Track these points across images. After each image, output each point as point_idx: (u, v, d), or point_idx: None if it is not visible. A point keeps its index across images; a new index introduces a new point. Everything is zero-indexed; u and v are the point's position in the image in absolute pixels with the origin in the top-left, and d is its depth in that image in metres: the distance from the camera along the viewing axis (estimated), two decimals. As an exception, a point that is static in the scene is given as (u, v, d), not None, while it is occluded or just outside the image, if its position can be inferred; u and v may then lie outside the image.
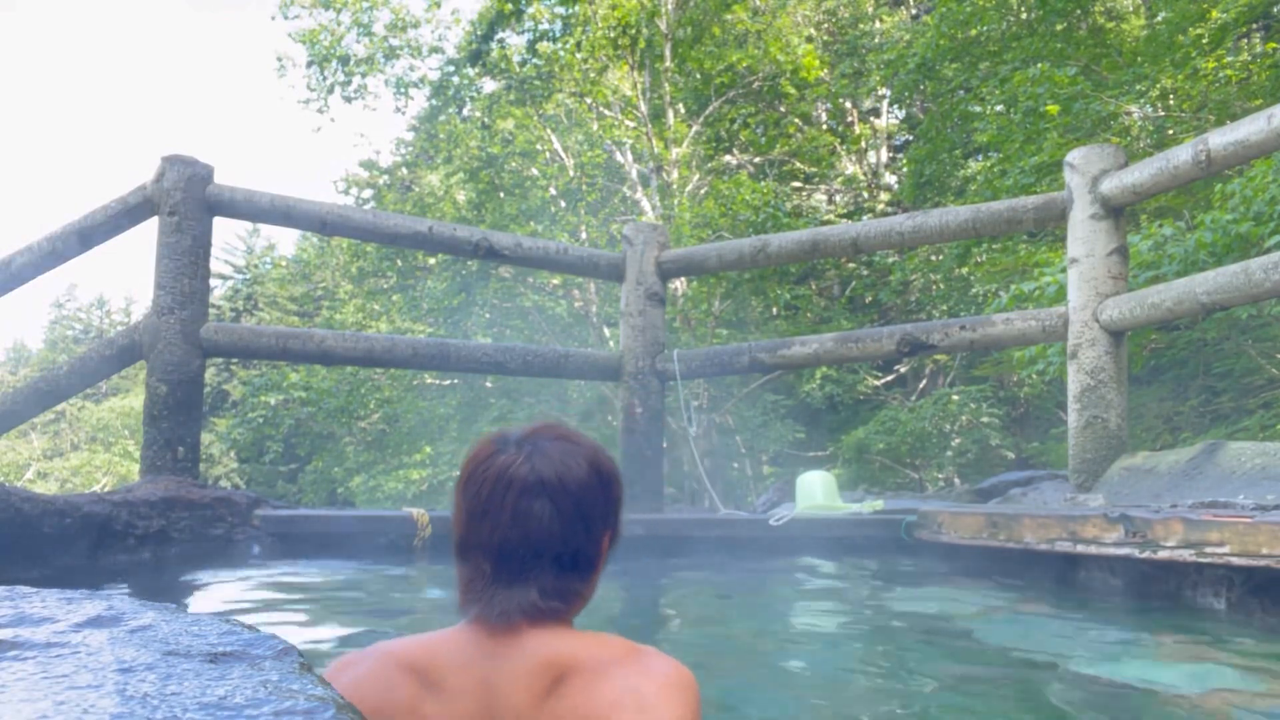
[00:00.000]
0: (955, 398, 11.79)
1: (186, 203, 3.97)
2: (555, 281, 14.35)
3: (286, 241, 53.33)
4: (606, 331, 14.29)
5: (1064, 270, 4.38)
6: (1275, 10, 9.55)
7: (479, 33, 14.14)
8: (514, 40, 14.52)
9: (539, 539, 1.19)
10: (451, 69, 14.93)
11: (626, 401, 4.82)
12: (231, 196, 4.09)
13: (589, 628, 1.35)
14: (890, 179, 16.69)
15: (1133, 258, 5.11)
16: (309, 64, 14.87)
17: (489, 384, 15.00)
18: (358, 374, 15.27)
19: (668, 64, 14.38)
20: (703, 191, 13.95)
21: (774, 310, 13.75)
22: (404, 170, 21.88)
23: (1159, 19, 10.00)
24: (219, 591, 2.89)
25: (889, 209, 15.44)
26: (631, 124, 14.61)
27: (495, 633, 1.18)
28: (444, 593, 2.61)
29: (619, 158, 14.88)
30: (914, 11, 16.84)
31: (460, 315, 14.54)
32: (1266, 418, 7.32)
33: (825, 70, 15.06)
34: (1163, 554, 2.40)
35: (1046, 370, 6.03)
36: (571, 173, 14.32)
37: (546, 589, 1.19)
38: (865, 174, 16.54)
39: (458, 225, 5.45)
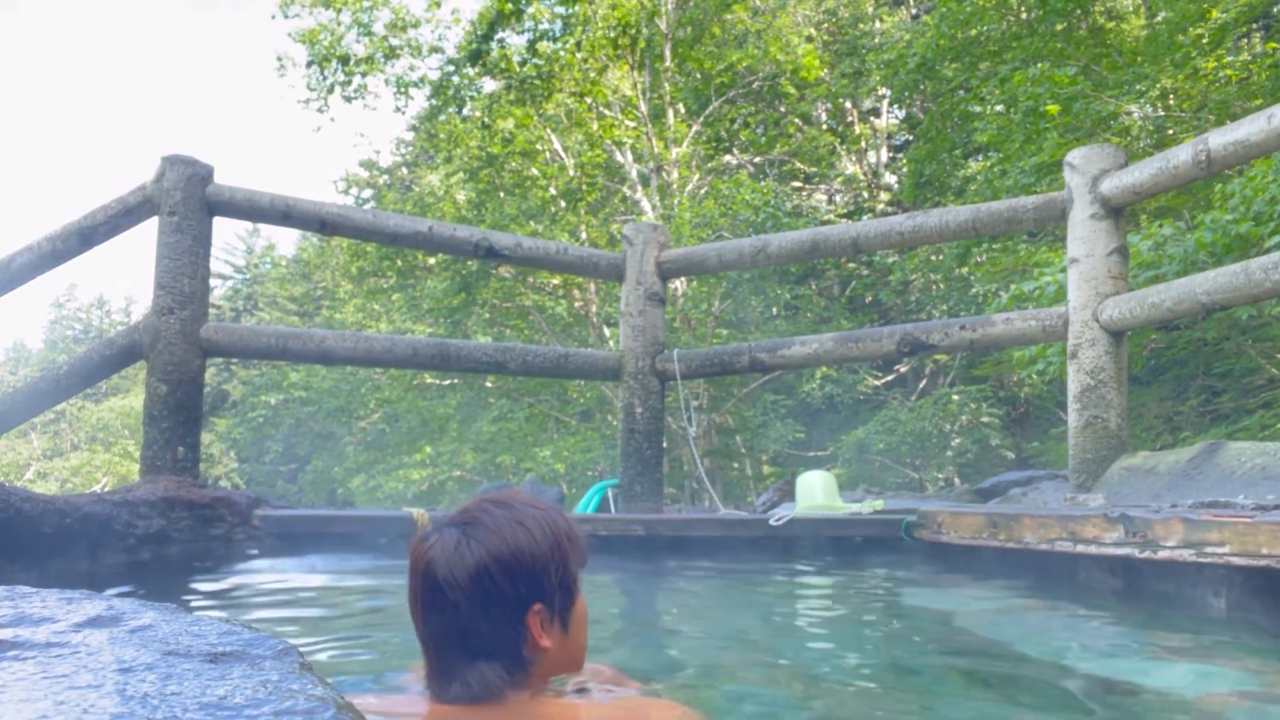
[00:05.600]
0: (955, 398, 11.80)
1: (186, 203, 3.97)
2: (555, 281, 14.36)
3: (286, 241, 53.40)
4: (606, 331, 14.30)
5: (1064, 270, 4.38)
6: (1275, 10, 9.55)
7: (479, 33, 14.13)
8: (514, 40, 14.52)
9: (443, 633, 1.20)
10: (451, 69, 14.93)
11: (626, 401, 4.82)
12: (231, 196, 4.09)
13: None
14: (890, 179, 16.70)
15: (1133, 258, 5.11)
16: (309, 64, 14.87)
17: (489, 384, 15.01)
18: (358, 374, 15.28)
19: (668, 64, 14.38)
20: (703, 191, 13.95)
21: (774, 310, 13.75)
22: (404, 170, 21.89)
23: (1159, 19, 10.00)
24: (219, 591, 2.89)
25: (889, 209, 15.44)
26: (631, 124, 14.61)
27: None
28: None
29: (619, 158, 14.88)
30: (914, 11, 16.84)
31: (460, 315, 14.54)
32: (1266, 418, 7.33)
33: (825, 70, 15.06)
34: (1163, 554, 2.40)
35: (1046, 370, 6.03)
36: (571, 173, 14.32)
37: (467, 680, 1.18)
38: (865, 174, 16.55)
39: (458, 225, 5.45)
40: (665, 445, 5.17)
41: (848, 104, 16.69)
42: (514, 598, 1.20)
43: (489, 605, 1.19)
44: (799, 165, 15.91)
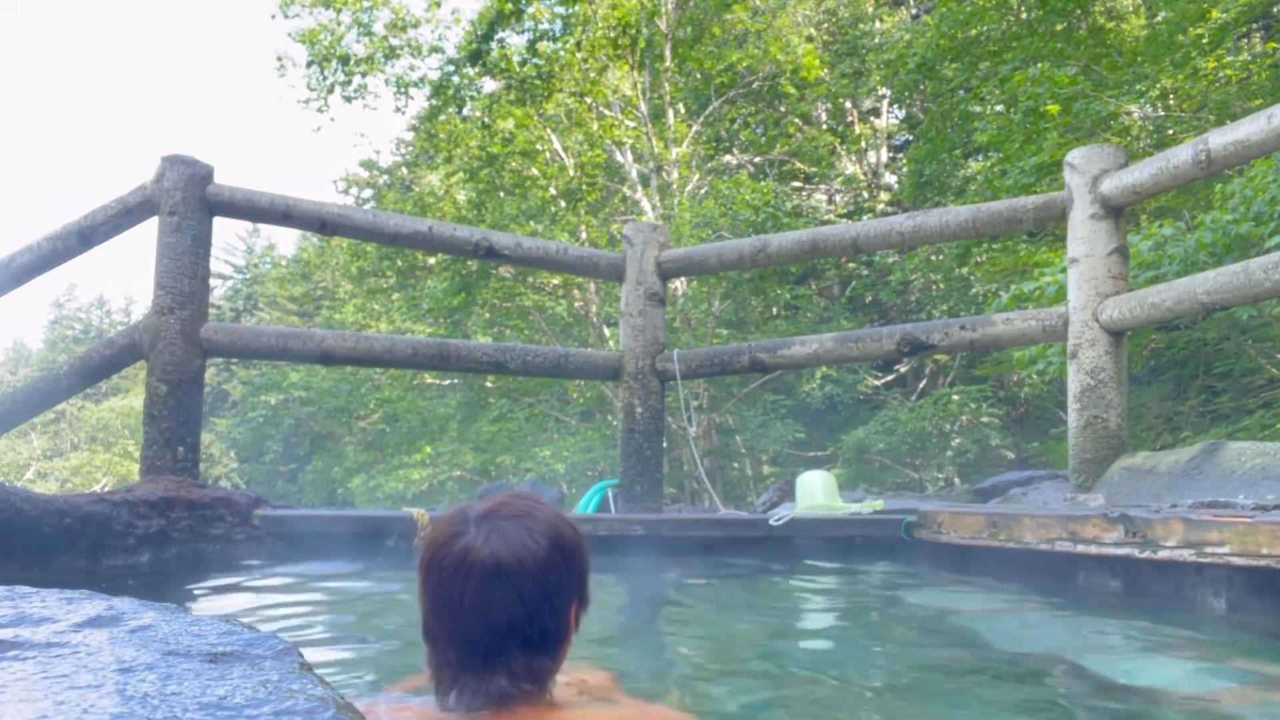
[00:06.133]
0: (955, 398, 11.80)
1: (186, 203, 3.97)
2: (555, 281, 14.35)
3: (286, 241, 53.44)
4: (606, 331, 14.29)
5: (1064, 270, 4.38)
6: (1275, 10, 9.55)
7: (479, 33, 14.13)
8: (514, 40, 14.52)
9: (502, 625, 1.17)
10: (451, 69, 14.92)
11: (626, 401, 4.82)
12: (231, 196, 4.09)
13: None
14: (890, 179, 16.70)
15: (1133, 258, 5.11)
16: (309, 64, 14.86)
17: (489, 384, 15.01)
18: (358, 374, 15.28)
19: (668, 64, 14.38)
20: (703, 191, 13.95)
21: (774, 310, 13.75)
22: (404, 170, 21.89)
23: (1159, 19, 10.00)
24: (219, 591, 2.89)
25: (889, 209, 15.44)
26: (631, 124, 14.61)
27: None
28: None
29: (619, 158, 14.88)
30: (914, 11, 16.84)
31: (460, 315, 14.53)
32: (1266, 418, 7.32)
33: (825, 70, 15.06)
34: (1163, 554, 2.40)
35: (1046, 370, 6.03)
36: (571, 173, 14.32)
37: (516, 673, 1.17)
38: (865, 174, 16.54)
39: (458, 225, 5.45)
40: (665, 445, 5.17)
41: (848, 104, 16.68)
42: (568, 589, 1.24)
43: (551, 594, 1.21)
44: (799, 165, 15.91)
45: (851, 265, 15.34)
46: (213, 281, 10.37)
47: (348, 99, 15.10)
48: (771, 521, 3.58)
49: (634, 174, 14.73)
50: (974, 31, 10.66)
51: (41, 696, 0.69)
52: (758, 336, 12.68)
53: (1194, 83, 8.32)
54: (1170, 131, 8.24)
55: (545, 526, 1.23)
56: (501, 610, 1.17)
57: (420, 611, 1.24)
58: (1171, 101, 8.75)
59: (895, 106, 17.04)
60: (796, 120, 15.72)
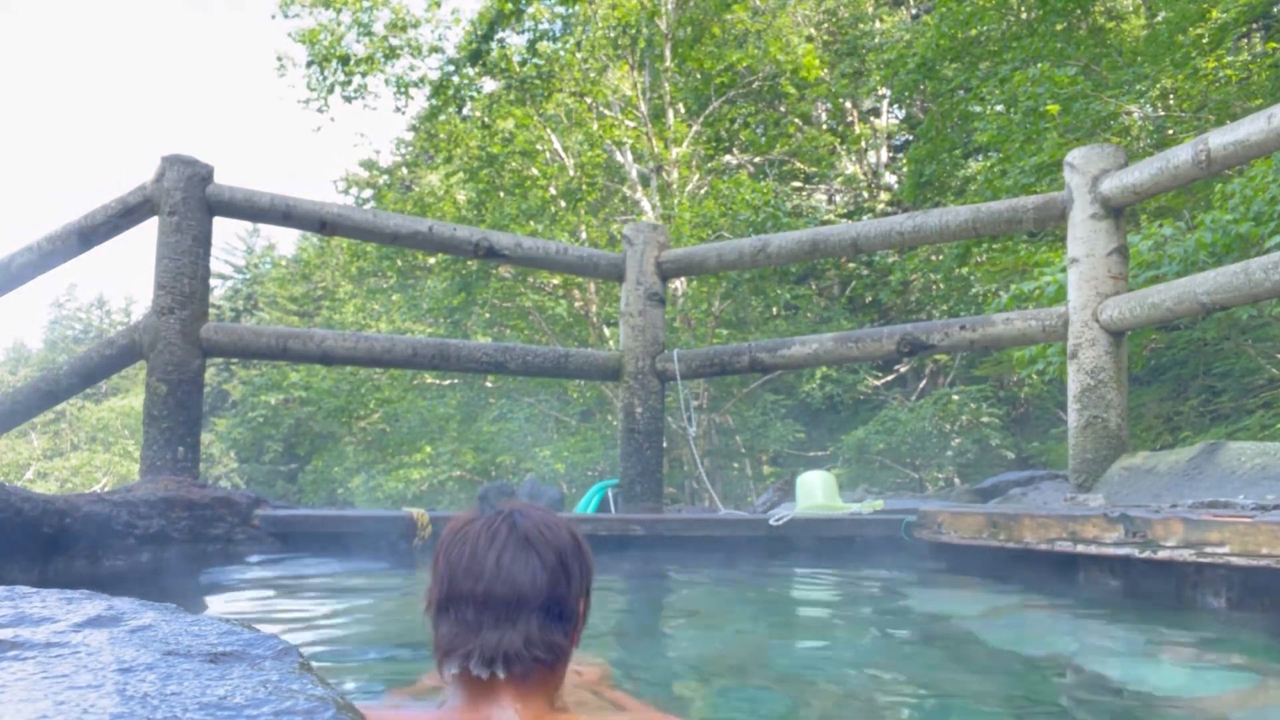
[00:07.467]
0: (955, 398, 11.80)
1: (186, 203, 3.97)
2: (555, 281, 14.35)
3: (286, 241, 53.40)
4: (606, 331, 14.29)
5: (1064, 270, 4.38)
6: (1275, 10, 9.55)
7: (479, 32, 14.12)
8: (514, 40, 14.52)
9: (525, 588, 1.21)
10: (451, 69, 14.92)
11: (626, 401, 4.82)
12: (231, 196, 4.09)
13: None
14: (890, 179, 16.69)
15: (1133, 258, 5.11)
16: (309, 64, 14.85)
17: (489, 384, 15.01)
18: (358, 374, 15.27)
19: (668, 64, 14.37)
20: (703, 191, 13.95)
21: (774, 310, 13.75)
22: (404, 170, 21.87)
23: (1159, 19, 10.00)
24: (219, 591, 2.89)
25: (889, 209, 15.44)
26: (631, 124, 14.61)
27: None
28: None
29: (619, 158, 14.88)
30: (914, 11, 16.83)
31: (460, 315, 14.53)
32: (1266, 418, 7.32)
33: (825, 70, 15.05)
34: (1163, 554, 2.40)
35: (1046, 370, 6.03)
36: (571, 173, 14.31)
37: (533, 638, 1.19)
38: (865, 174, 16.54)
39: (458, 225, 5.45)
40: (665, 445, 5.17)
41: (848, 104, 16.68)
42: (582, 577, 1.29)
43: (570, 571, 1.26)
44: (799, 165, 15.90)
45: (851, 265, 15.34)
46: (213, 281, 10.37)
47: (348, 99, 15.09)
48: (771, 521, 3.58)
49: (634, 174, 14.73)
50: (974, 31, 10.66)
51: (41, 696, 0.69)
52: (758, 336, 12.68)
53: (1194, 83, 8.32)
54: (1170, 131, 8.24)
55: (563, 519, 1.30)
56: (525, 575, 1.21)
57: (432, 593, 1.25)
58: (1171, 101, 8.75)
59: (895, 106, 17.03)
60: (796, 120, 15.72)
